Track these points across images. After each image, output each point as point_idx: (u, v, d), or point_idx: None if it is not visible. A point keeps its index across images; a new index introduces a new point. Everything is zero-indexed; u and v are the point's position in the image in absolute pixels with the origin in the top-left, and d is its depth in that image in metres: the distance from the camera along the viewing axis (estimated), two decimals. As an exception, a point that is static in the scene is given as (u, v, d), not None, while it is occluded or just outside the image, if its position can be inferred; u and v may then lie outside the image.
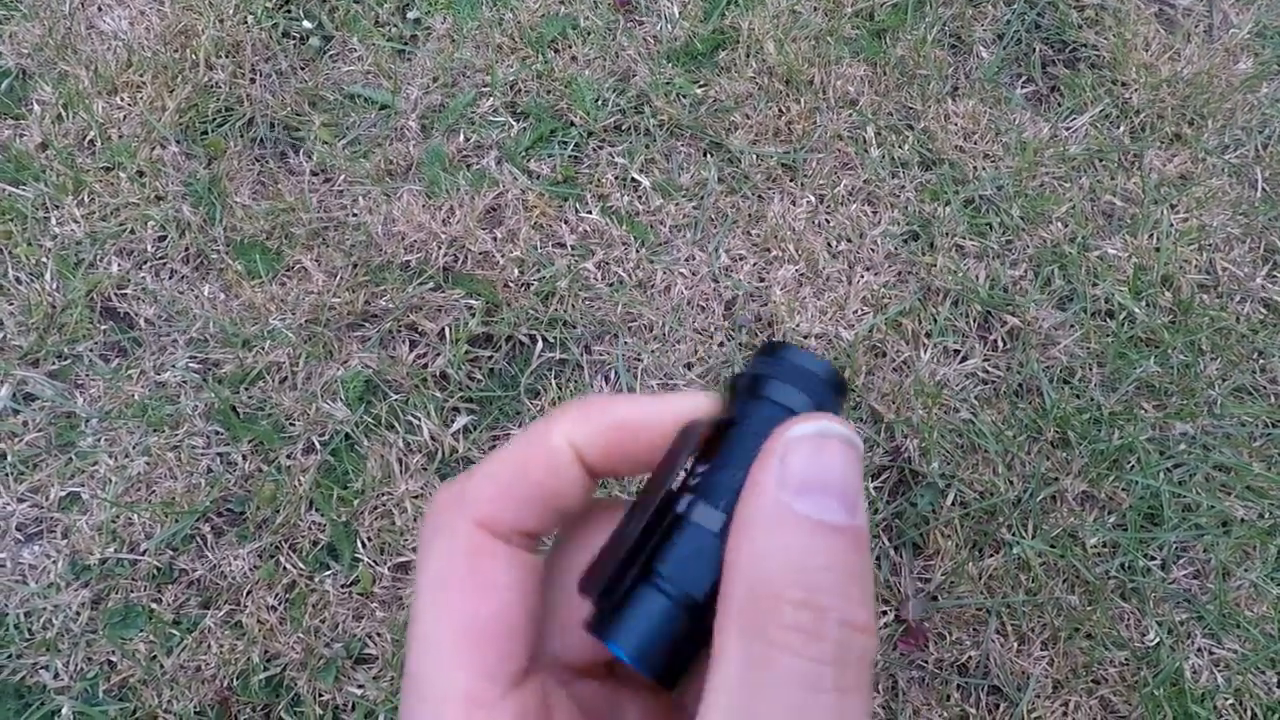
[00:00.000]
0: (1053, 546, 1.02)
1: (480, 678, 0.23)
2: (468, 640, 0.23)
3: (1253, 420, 1.10)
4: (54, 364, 1.07)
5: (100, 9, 1.29)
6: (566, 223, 1.17)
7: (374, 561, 0.99)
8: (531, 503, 0.25)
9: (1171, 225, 1.20)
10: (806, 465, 0.22)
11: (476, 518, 0.24)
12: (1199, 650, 1.00)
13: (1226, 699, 0.97)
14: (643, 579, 0.23)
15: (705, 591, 0.23)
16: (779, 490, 0.22)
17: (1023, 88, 1.33)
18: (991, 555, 1.02)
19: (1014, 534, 1.02)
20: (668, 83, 1.26)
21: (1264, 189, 1.25)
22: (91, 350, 1.08)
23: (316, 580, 0.98)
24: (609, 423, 0.25)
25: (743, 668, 0.21)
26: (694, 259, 1.16)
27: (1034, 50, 1.34)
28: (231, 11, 1.28)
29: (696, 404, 0.25)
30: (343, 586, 0.99)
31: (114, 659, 0.94)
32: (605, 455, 0.25)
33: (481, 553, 0.24)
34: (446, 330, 1.10)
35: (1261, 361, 1.14)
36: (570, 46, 1.29)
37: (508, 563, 0.24)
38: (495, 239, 1.15)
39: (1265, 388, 1.12)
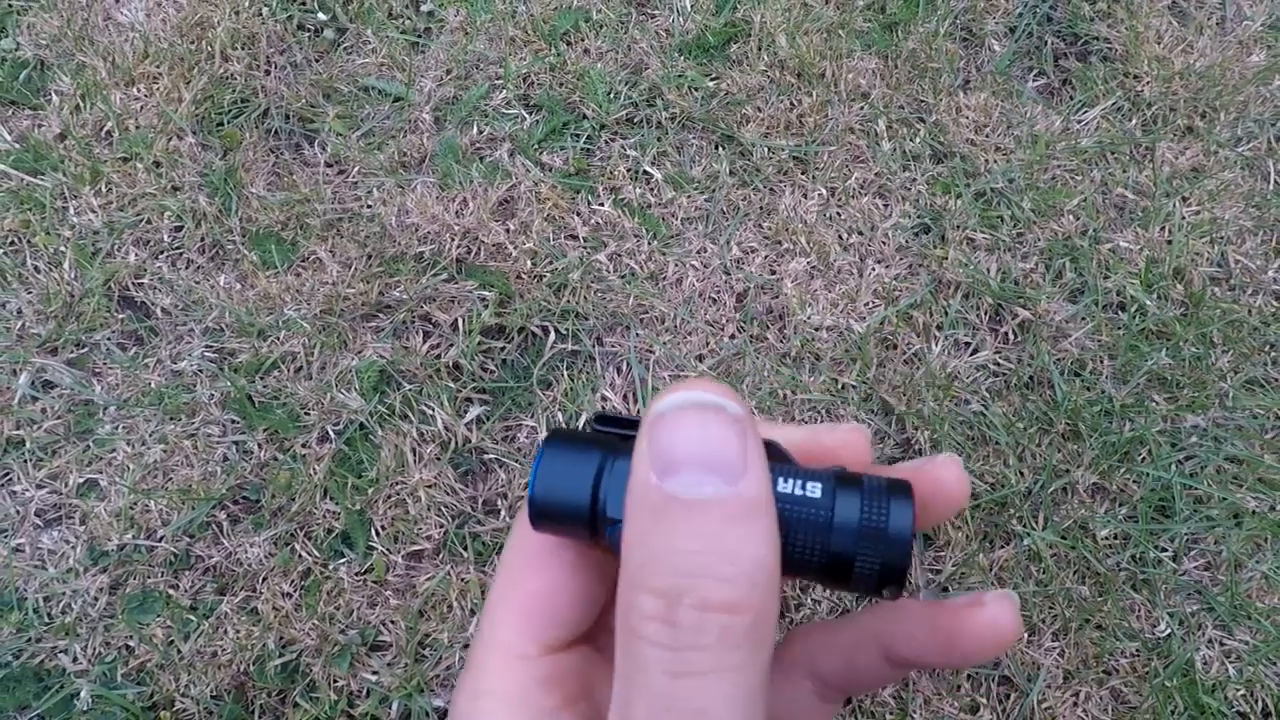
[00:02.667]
0: (1064, 538, 1.02)
1: (522, 637, 0.26)
2: (519, 610, 0.27)
3: (1264, 413, 1.10)
4: (72, 352, 1.08)
5: (117, 0, 1.30)
6: (579, 215, 1.18)
7: (388, 550, 1.00)
8: None
9: (1183, 218, 1.20)
10: (671, 441, 0.21)
11: None
12: (1210, 641, 1.00)
13: (1238, 690, 0.97)
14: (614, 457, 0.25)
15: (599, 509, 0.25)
16: (648, 471, 0.21)
17: (1034, 81, 1.33)
18: (1002, 547, 1.03)
19: (1025, 525, 1.03)
20: (680, 76, 1.26)
21: (1276, 182, 1.24)
22: (109, 339, 1.09)
23: (331, 568, 0.99)
24: None
25: (620, 658, 0.21)
26: (705, 251, 1.16)
27: (1046, 43, 1.34)
28: (247, 4, 1.29)
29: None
30: (357, 574, 0.99)
31: (132, 643, 0.95)
32: None
33: (545, 550, 0.27)
34: (460, 321, 1.10)
35: (1273, 354, 1.13)
36: (583, 39, 1.29)
37: (570, 562, 0.27)
38: (508, 231, 1.16)
39: (1277, 380, 1.12)
